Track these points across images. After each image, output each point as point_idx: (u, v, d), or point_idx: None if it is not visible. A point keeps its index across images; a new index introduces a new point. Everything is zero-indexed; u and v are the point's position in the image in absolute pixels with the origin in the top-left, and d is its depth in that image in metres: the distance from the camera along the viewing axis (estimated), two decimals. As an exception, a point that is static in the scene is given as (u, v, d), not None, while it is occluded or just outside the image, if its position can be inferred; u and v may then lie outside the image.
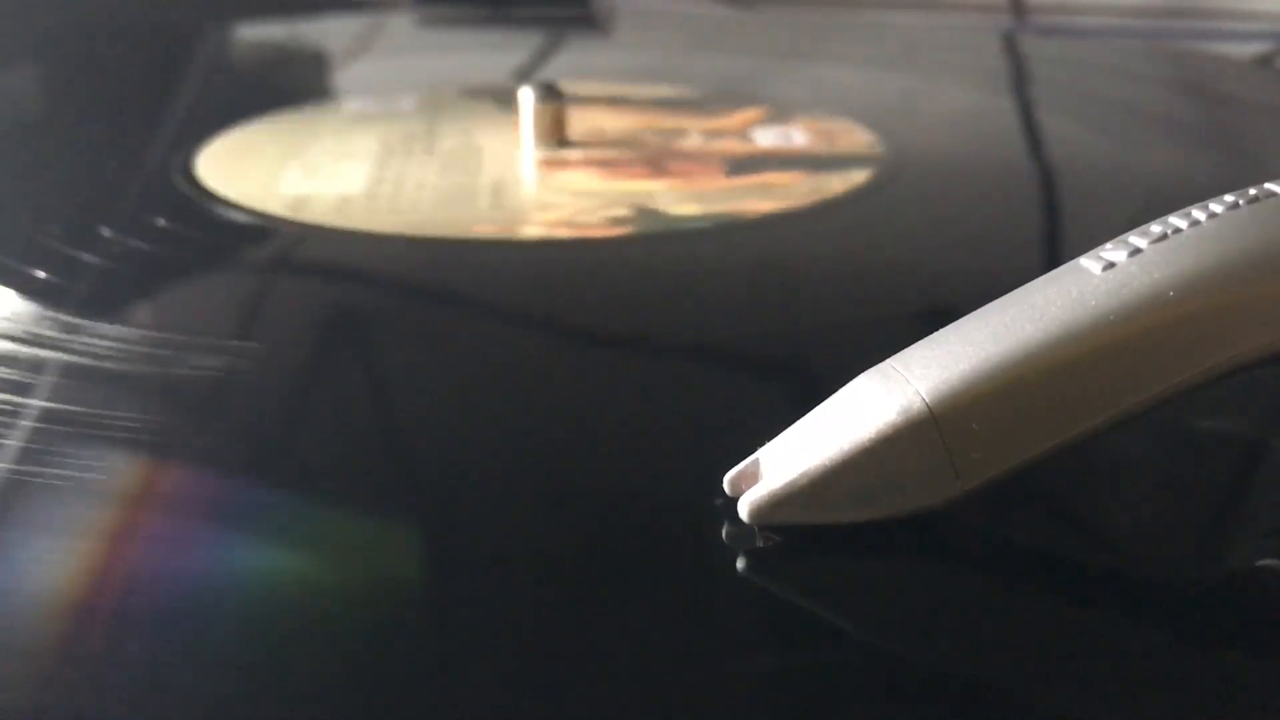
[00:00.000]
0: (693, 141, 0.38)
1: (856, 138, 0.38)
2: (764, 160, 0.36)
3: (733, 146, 0.37)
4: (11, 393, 0.22)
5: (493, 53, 0.56)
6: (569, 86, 0.39)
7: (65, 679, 0.15)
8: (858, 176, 0.34)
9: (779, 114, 0.41)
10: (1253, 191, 0.18)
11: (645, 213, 0.32)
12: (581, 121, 0.39)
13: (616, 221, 0.31)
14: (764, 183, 0.34)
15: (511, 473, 0.20)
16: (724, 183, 0.34)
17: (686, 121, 0.40)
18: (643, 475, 0.20)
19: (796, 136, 0.38)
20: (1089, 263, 0.18)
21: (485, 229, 0.31)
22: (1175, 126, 0.42)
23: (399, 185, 0.34)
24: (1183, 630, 0.16)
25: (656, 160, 0.36)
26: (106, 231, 0.31)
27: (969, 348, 0.17)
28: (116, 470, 0.20)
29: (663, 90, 0.45)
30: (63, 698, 0.15)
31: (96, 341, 0.24)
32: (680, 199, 0.33)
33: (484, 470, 0.20)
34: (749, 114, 0.41)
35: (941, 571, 0.17)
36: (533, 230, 0.31)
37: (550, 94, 0.38)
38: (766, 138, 0.38)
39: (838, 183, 0.34)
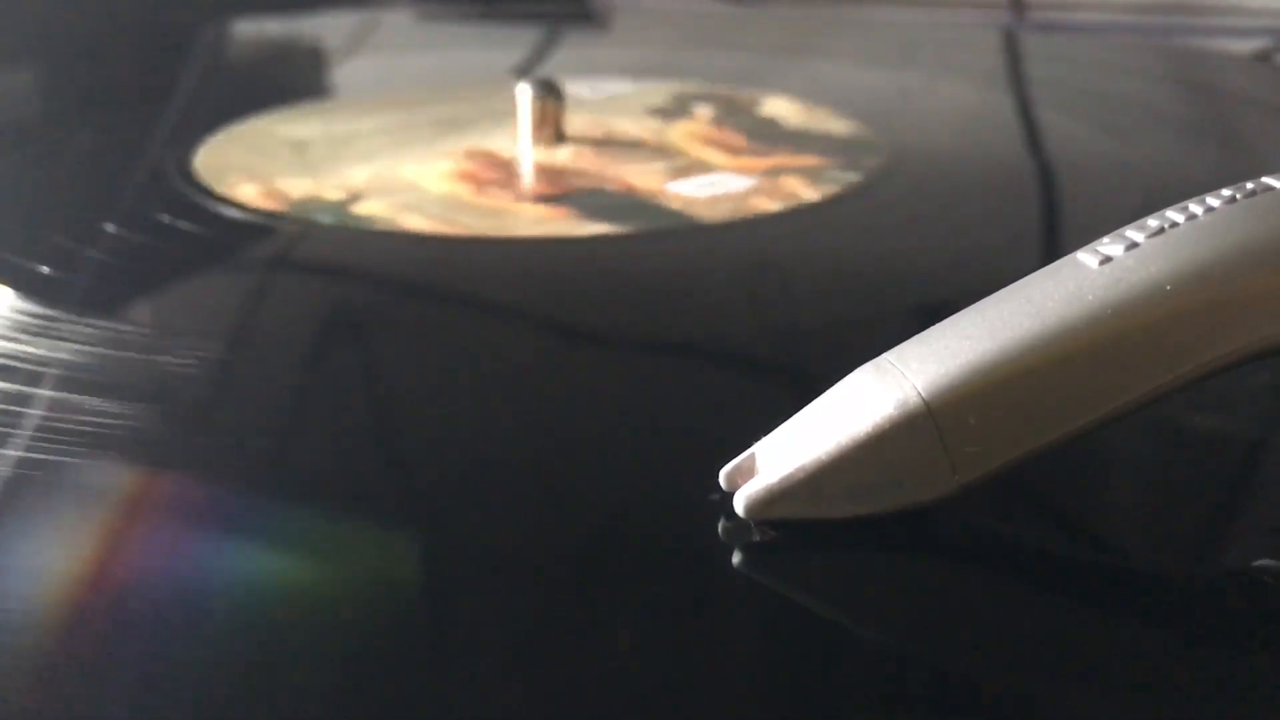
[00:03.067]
0: (625, 169, 0.36)
1: (768, 204, 0.33)
2: (590, 197, 0.34)
3: (632, 179, 0.35)
4: (9, 391, 0.22)
5: (490, 49, 0.56)
6: (768, 103, 0.39)
7: (62, 680, 0.15)
8: (597, 228, 0.31)
9: (816, 168, 0.41)
10: (1249, 186, 0.18)
11: (341, 203, 0.33)
12: (641, 128, 0.39)
13: (298, 206, 0.32)
14: (508, 210, 0.32)
15: (509, 469, 0.20)
16: (499, 203, 0.33)
17: (700, 151, 0.39)
18: (639, 470, 0.20)
19: (716, 188, 0.35)
20: (1085, 257, 0.18)
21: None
22: (1173, 122, 0.42)
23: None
24: (1179, 628, 0.16)
25: (517, 171, 0.36)
26: (103, 229, 0.31)
27: (965, 342, 0.17)
28: (114, 470, 0.20)
29: (820, 120, 0.42)
30: (61, 699, 0.15)
31: (96, 339, 0.24)
32: (397, 204, 0.32)
33: (482, 467, 0.20)
34: (768, 161, 0.38)
35: (938, 566, 0.17)
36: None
37: (548, 90, 0.37)
38: (686, 185, 0.35)
39: (568, 227, 0.31)
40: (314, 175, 0.35)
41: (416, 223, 0.31)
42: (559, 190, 0.34)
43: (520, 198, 0.33)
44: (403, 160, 0.36)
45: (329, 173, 0.35)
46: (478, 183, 0.34)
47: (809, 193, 0.33)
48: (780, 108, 0.42)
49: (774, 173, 0.35)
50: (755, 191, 0.33)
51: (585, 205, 0.32)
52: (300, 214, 0.32)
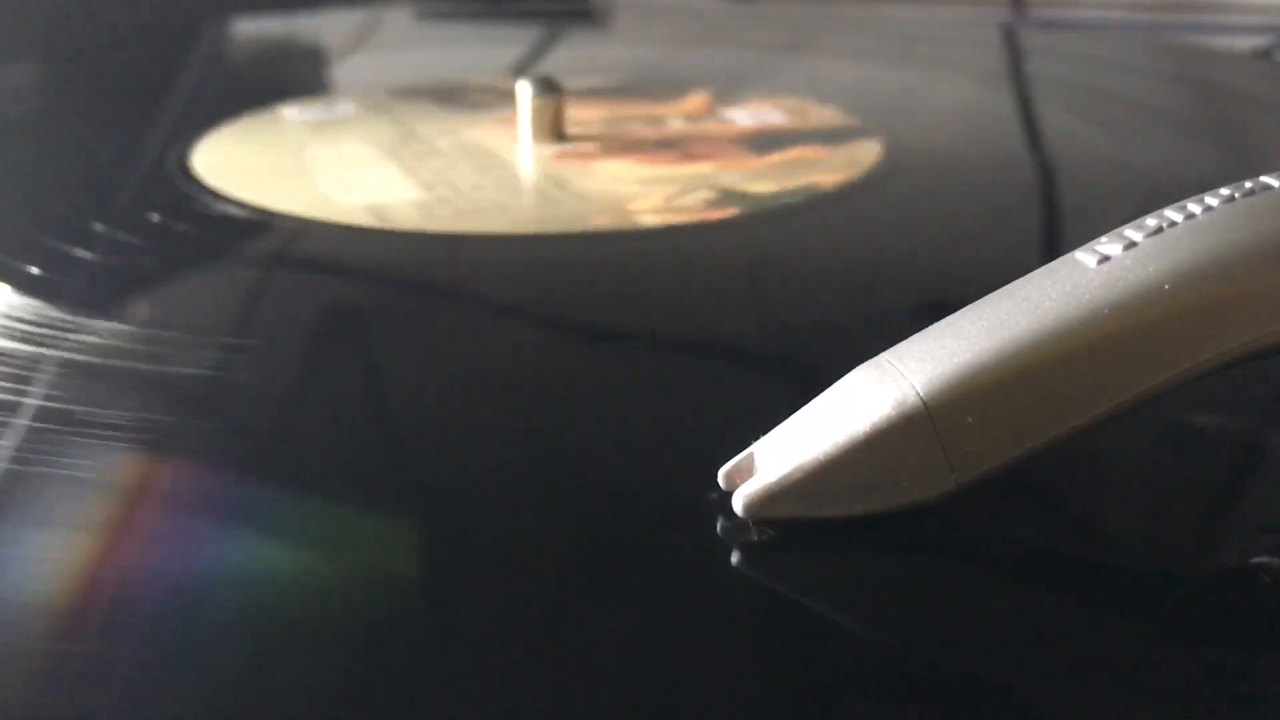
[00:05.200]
0: (679, 126, 0.38)
1: (823, 111, 0.39)
2: (776, 138, 0.37)
3: (723, 128, 0.38)
4: (9, 389, 0.22)
5: (490, 47, 0.56)
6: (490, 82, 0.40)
7: (63, 677, 0.15)
8: (871, 148, 0.35)
9: (724, 96, 0.42)
10: (1248, 185, 0.18)
11: (730, 194, 0.32)
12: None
13: (712, 204, 0.31)
14: (799, 157, 0.34)
15: (508, 467, 0.20)
16: (762, 160, 0.34)
17: (647, 108, 0.41)
18: (638, 469, 0.20)
19: (770, 115, 0.39)
20: (1084, 256, 0.18)
21: (601, 220, 0.31)
22: (1173, 120, 0.42)
23: (454, 188, 0.33)
24: (1178, 626, 0.16)
25: (679, 144, 0.36)
26: (103, 227, 0.31)
27: (964, 341, 0.17)
28: (115, 467, 0.20)
29: (592, 79, 0.45)
30: (61, 696, 0.15)
31: (94, 338, 0.24)
32: (745, 178, 0.33)
33: (481, 465, 0.20)
34: (697, 98, 0.41)
35: (936, 566, 0.17)
36: (648, 219, 0.31)
37: (548, 88, 0.38)
38: (743, 118, 0.39)
39: (861, 152, 0.35)
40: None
41: (830, 178, 0.33)
42: (745, 147, 0.36)
43: (756, 155, 0.35)
44: (567, 173, 0.35)
45: (605, 191, 0.33)
46: (682, 161, 0.35)
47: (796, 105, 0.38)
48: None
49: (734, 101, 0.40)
50: (793, 110, 0.39)
51: (806, 140, 0.36)
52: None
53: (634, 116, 0.40)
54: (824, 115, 0.39)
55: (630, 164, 0.35)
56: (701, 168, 0.34)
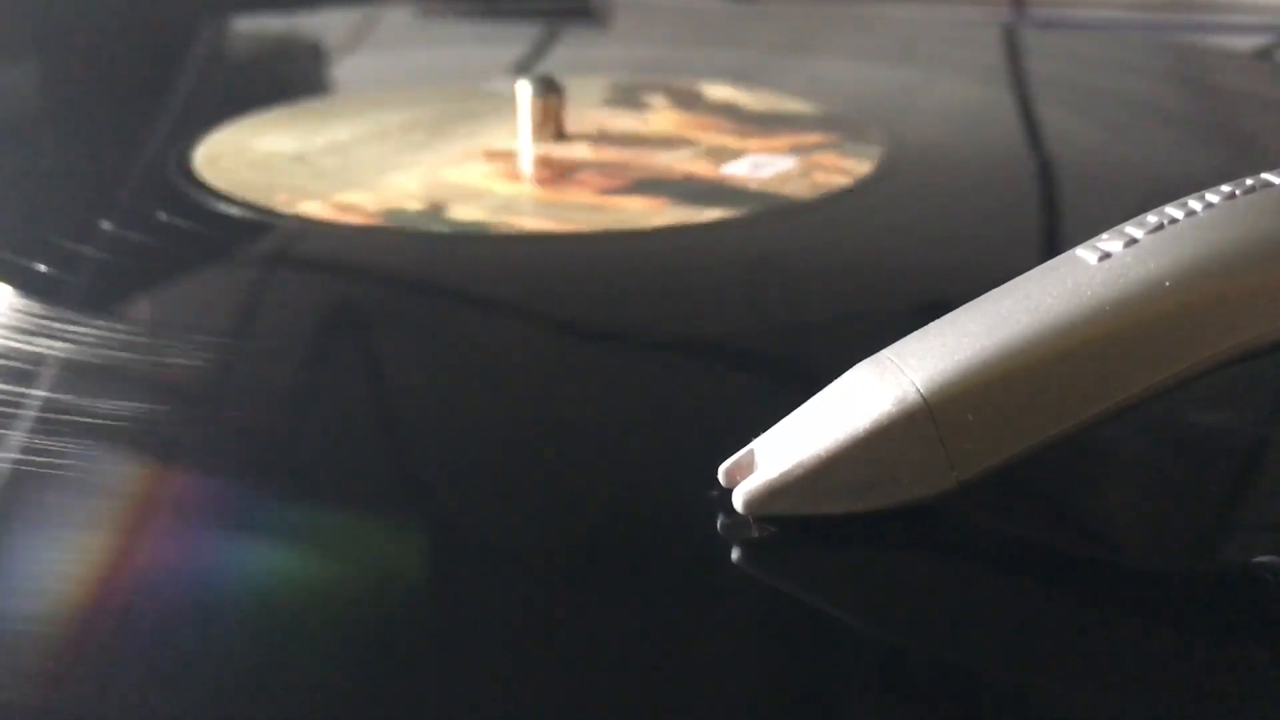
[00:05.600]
0: (661, 158, 0.36)
1: (834, 178, 0.34)
2: (664, 186, 0.34)
3: (680, 166, 0.35)
4: (9, 387, 0.22)
5: (490, 46, 0.56)
6: (711, 90, 0.41)
7: (62, 675, 0.15)
8: (714, 214, 0.31)
9: (835, 145, 0.37)
10: (1249, 182, 0.18)
11: (429, 212, 0.31)
12: (623, 122, 0.40)
13: (390, 215, 0.31)
14: (607, 204, 0.32)
15: (509, 464, 0.20)
16: (584, 198, 0.32)
17: (728, 138, 0.38)
18: (638, 466, 0.20)
19: (769, 168, 0.35)
20: (1085, 253, 0.18)
21: (280, 199, 0.32)
22: (1174, 119, 0.42)
23: (325, 154, 0.36)
24: (1179, 625, 0.16)
25: (567, 168, 0.35)
26: (103, 225, 0.31)
27: (964, 339, 0.17)
28: (111, 465, 0.20)
29: (779, 102, 0.42)
30: (60, 694, 0.15)
31: (90, 335, 0.24)
32: (484, 207, 0.32)
33: (482, 462, 0.20)
34: (781, 140, 0.38)
35: (936, 563, 0.17)
36: (309, 207, 0.32)
37: (547, 88, 0.37)
38: (739, 166, 0.35)
39: (687, 215, 0.31)
40: (349, 185, 0.34)
41: (533, 224, 0.31)
42: (624, 182, 0.34)
43: (600, 191, 0.33)
44: (427, 164, 0.36)
45: (368, 182, 0.34)
46: (539, 181, 0.34)
47: (850, 164, 0.35)
48: (726, 93, 0.43)
49: (800, 150, 0.36)
50: (810, 167, 0.35)
51: (675, 194, 0.33)
52: (407, 226, 0.31)
53: (688, 139, 0.38)
54: (837, 179, 0.34)
55: (493, 172, 0.35)
56: (510, 188, 0.33)
